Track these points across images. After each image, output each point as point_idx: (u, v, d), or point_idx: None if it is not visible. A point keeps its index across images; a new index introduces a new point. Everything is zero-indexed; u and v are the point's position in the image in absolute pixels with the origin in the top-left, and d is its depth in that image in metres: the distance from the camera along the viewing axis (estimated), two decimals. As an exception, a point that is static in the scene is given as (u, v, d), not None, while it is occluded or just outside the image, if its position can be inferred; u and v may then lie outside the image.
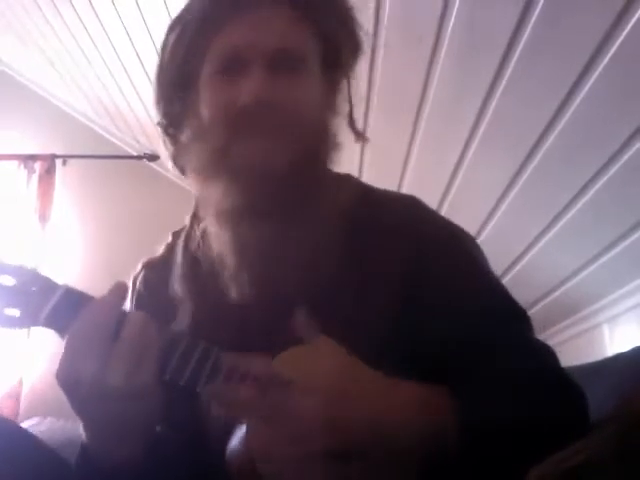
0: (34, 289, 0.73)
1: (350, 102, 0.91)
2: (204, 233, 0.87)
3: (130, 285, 0.95)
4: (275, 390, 0.67)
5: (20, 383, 3.19)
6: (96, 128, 3.74)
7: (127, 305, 0.93)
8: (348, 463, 0.65)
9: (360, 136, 0.93)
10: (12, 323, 0.72)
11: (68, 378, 0.67)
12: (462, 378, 0.74)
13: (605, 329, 2.42)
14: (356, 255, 0.83)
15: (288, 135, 0.80)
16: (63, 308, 0.71)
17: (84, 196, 3.61)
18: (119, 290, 0.71)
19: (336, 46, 0.86)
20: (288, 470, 0.65)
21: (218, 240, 0.84)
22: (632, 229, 1.89)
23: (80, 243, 3.56)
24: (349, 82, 0.91)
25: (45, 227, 3.39)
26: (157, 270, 0.94)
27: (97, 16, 2.43)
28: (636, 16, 1.24)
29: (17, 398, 3.15)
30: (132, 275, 0.96)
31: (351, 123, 0.92)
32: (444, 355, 0.77)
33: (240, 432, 0.70)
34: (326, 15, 0.85)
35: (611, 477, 0.47)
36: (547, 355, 0.81)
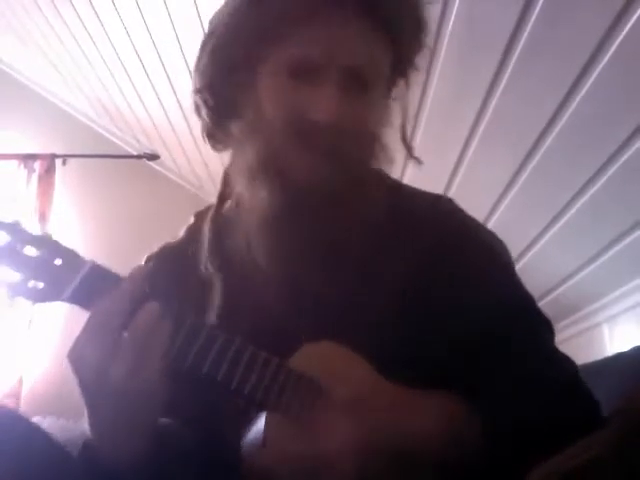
0: (59, 263, 0.72)
1: (404, 114, 0.89)
2: (237, 225, 0.85)
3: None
4: (299, 390, 0.68)
5: (20, 383, 3.19)
6: (96, 127, 3.75)
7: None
8: (372, 475, 0.66)
9: (410, 151, 0.90)
10: (35, 296, 0.71)
11: (77, 359, 0.66)
12: (484, 379, 0.74)
13: (605, 328, 2.43)
14: (381, 248, 0.83)
15: (344, 155, 0.78)
16: (88, 285, 0.71)
17: (84, 195, 3.61)
18: (135, 277, 0.70)
19: (407, 58, 0.84)
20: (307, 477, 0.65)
21: (253, 241, 0.82)
22: (632, 228, 1.89)
23: (80, 243, 3.53)
24: (407, 87, 0.88)
25: (45, 227, 3.39)
26: (177, 253, 0.92)
27: (97, 16, 2.43)
28: (636, 16, 1.24)
29: (17, 398, 3.15)
30: (146, 256, 0.95)
31: (403, 137, 0.90)
32: (469, 357, 0.77)
33: (257, 427, 0.71)
34: (405, 26, 0.81)
35: (614, 476, 0.47)
36: (568, 365, 0.81)
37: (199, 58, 0.85)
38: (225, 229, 0.87)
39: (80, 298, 0.71)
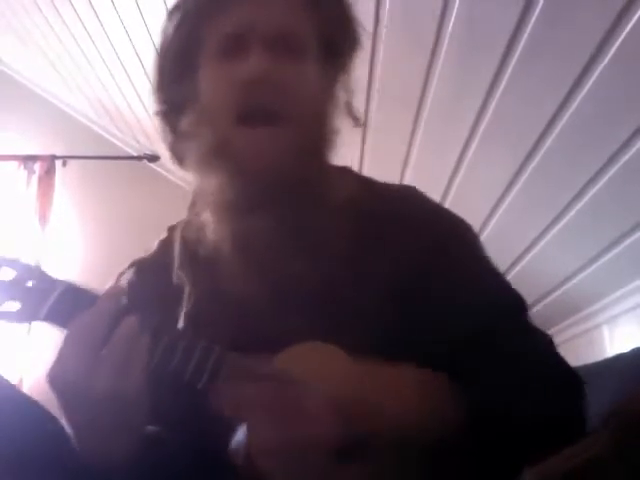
0: (33, 284, 0.72)
1: (349, 92, 0.90)
2: (202, 225, 0.86)
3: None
4: (279, 388, 0.68)
5: (20, 384, 3.19)
6: (96, 128, 3.74)
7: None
8: (352, 459, 0.66)
9: (357, 121, 0.91)
10: (10, 317, 0.72)
11: (57, 379, 0.66)
12: (466, 367, 0.75)
13: (605, 329, 2.42)
14: (360, 243, 0.83)
15: (289, 124, 0.79)
16: (63, 304, 0.71)
17: (84, 197, 3.61)
18: (113, 295, 0.71)
19: (334, 36, 0.87)
20: (292, 467, 0.65)
21: (216, 233, 0.83)
22: (632, 229, 1.89)
23: (80, 244, 3.56)
24: (348, 74, 0.90)
25: (45, 228, 3.39)
26: (151, 267, 0.93)
27: (97, 16, 2.43)
28: (636, 16, 1.24)
29: (17, 399, 3.14)
30: (118, 274, 0.95)
31: (349, 111, 0.90)
32: (446, 341, 0.77)
33: (241, 431, 0.70)
34: (325, 4, 0.85)
35: (614, 476, 0.47)
36: (545, 342, 0.82)
37: (154, 77, 0.88)
38: (199, 241, 0.88)
39: (56, 317, 0.71)
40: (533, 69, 1.51)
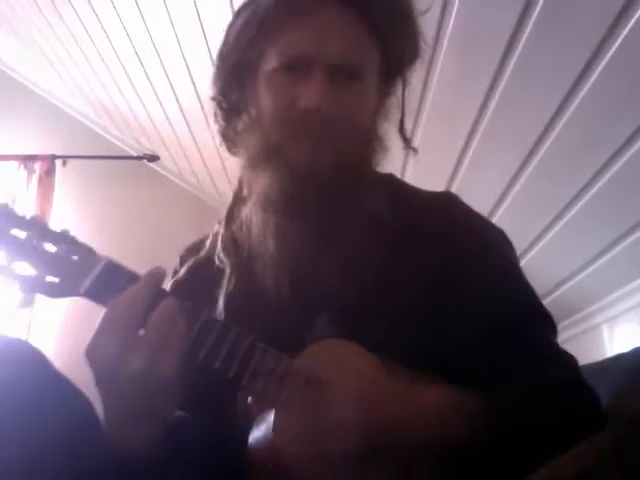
0: (75, 258, 0.74)
1: (403, 108, 0.95)
2: (246, 217, 0.90)
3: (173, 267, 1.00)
4: (307, 387, 0.70)
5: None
6: (96, 128, 3.75)
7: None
8: (374, 464, 0.67)
9: (407, 142, 0.97)
10: (51, 291, 0.73)
11: (93, 356, 0.67)
12: (492, 378, 0.75)
13: (604, 329, 2.43)
14: (394, 253, 0.85)
15: (336, 139, 0.83)
16: (103, 281, 0.73)
17: (84, 197, 3.61)
18: (153, 276, 0.72)
19: (397, 54, 0.89)
20: (314, 469, 0.66)
21: (261, 227, 0.86)
22: (632, 229, 1.89)
23: (80, 243, 3.56)
24: (404, 87, 0.94)
25: (45, 227, 3.38)
26: (200, 250, 0.98)
27: (97, 16, 2.43)
28: (636, 16, 1.24)
29: (17, 398, 3.14)
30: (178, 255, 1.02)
31: (401, 129, 0.96)
32: (474, 353, 0.78)
33: (265, 424, 0.71)
34: (392, 22, 0.86)
35: (615, 477, 0.47)
36: (571, 363, 0.82)
37: (215, 67, 0.92)
38: (241, 231, 0.91)
39: (96, 293, 0.73)
40: (533, 69, 1.51)
